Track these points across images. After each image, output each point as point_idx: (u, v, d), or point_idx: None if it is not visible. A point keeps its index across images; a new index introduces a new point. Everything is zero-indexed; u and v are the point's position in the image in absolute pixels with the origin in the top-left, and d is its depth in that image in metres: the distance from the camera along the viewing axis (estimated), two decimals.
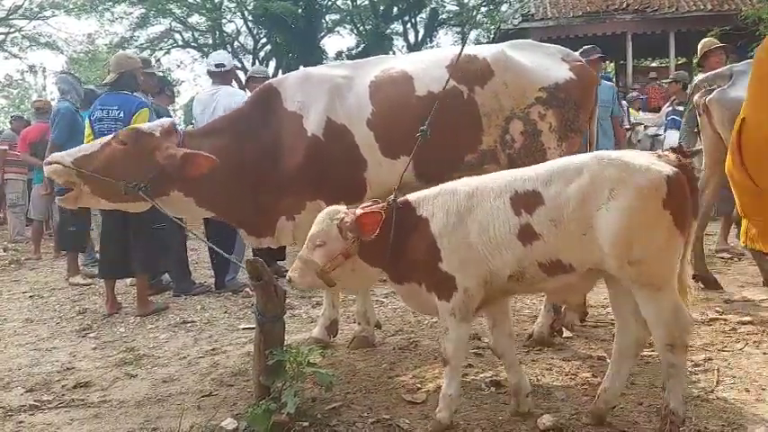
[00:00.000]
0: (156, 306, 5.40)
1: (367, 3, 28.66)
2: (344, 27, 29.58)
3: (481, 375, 3.43)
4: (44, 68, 35.97)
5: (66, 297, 6.19)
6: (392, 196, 2.77)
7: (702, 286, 5.15)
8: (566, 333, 4.04)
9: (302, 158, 3.72)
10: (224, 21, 28.47)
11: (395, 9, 28.53)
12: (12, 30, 27.83)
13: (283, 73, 20.57)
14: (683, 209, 2.41)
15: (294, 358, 2.91)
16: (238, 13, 28.26)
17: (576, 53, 4.30)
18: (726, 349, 3.69)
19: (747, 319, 4.24)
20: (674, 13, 15.48)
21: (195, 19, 28.73)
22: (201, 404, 3.27)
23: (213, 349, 4.24)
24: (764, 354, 3.59)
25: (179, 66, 37.85)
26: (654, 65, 18.49)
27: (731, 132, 4.71)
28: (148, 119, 5.09)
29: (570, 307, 3.88)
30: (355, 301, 4.30)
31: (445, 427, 2.71)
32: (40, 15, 27.19)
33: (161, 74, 16.18)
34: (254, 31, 28.68)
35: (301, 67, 4.49)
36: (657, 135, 9.54)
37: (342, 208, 2.76)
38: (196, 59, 30.97)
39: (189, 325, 4.93)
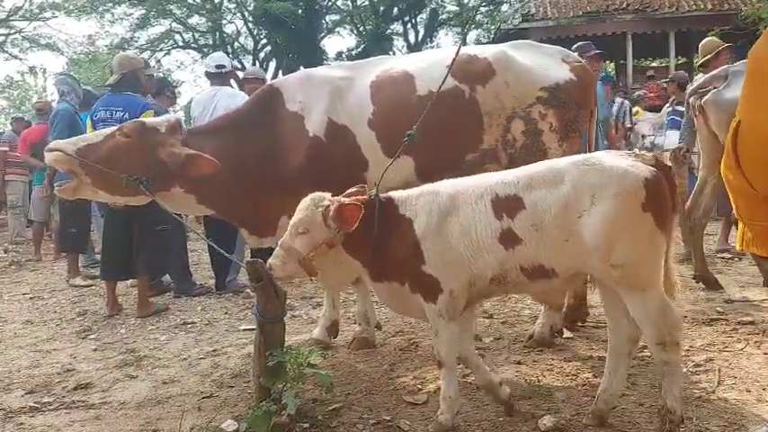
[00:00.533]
0: (157, 307, 5.40)
1: (367, 3, 28.67)
2: (344, 27, 29.62)
3: None
4: (44, 70, 35.94)
5: (67, 298, 6.19)
6: (374, 191, 2.74)
7: (703, 286, 5.15)
8: (566, 334, 4.04)
9: (304, 159, 3.72)
10: (224, 22, 28.52)
11: (395, 9, 28.53)
12: (12, 31, 27.85)
13: (283, 74, 20.59)
14: (662, 209, 2.44)
15: (295, 359, 2.90)
16: (238, 14, 28.32)
17: (575, 53, 4.31)
18: (727, 349, 3.68)
19: (748, 319, 4.23)
20: (674, 13, 15.49)
21: (195, 20, 28.79)
22: (202, 405, 3.27)
23: (214, 350, 4.24)
24: (765, 354, 3.58)
25: (179, 67, 37.79)
26: (654, 65, 18.48)
27: (727, 133, 4.76)
28: None
29: (552, 308, 3.87)
30: (356, 302, 4.29)
31: (447, 428, 2.71)
32: (40, 16, 27.20)
33: (162, 75, 16.19)
34: (254, 32, 28.69)
35: (301, 68, 4.49)
36: (655, 145, 9.54)
37: (327, 195, 2.72)
38: (196, 60, 31.01)
39: (189, 326, 4.93)
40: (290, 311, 4.86)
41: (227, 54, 16.68)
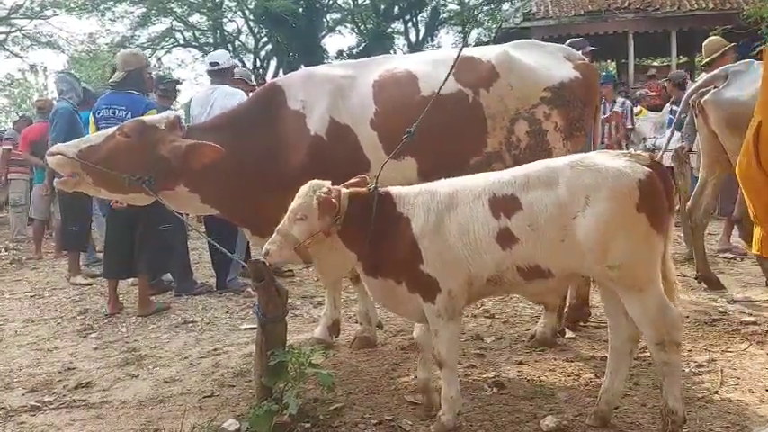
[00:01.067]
0: (158, 306, 5.39)
1: (368, 2, 28.62)
2: (345, 26, 29.54)
3: (483, 376, 3.42)
4: (45, 68, 35.97)
5: (68, 297, 6.18)
6: (372, 184, 2.73)
7: (705, 286, 5.14)
8: (568, 334, 4.03)
9: (305, 157, 3.71)
10: (225, 20, 28.45)
11: (396, 8, 28.48)
12: (13, 29, 27.79)
13: (284, 73, 20.58)
14: (657, 209, 2.45)
15: (296, 359, 2.90)
16: (239, 13, 28.24)
17: (578, 52, 4.29)
18: (729, 350, 3.68)
19: (751, 319, 4.23)
20: (676, 12, 15.45)
21: (196, 18, 28.71)
22: (203, 405, 3.27)
23: (215, 349, 4.23)
24: None
25: (180, 65, 37.69)
26: (655, 64, 18.45)
27: (729, 134, 4.75)
28: None
29: (547, 308, 3.86)
30: (357, 301, 4.29)
31: (449, 429, 2.70)
32: (41, 14, 27.14)
33: (160, 73, 16.12)
34: (255, 31, 28.64)
35: (302, 67, 4.48)
36: (657, 147, 9.53)
37: (326, 183, 2.70)
38: (197, 59, 30.94)
39: (190, 325, 4.92)
40: (292, 310, 4.85)
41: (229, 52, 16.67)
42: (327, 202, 2.60)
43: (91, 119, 5.61)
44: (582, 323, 4.22)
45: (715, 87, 4.85)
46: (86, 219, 7.16)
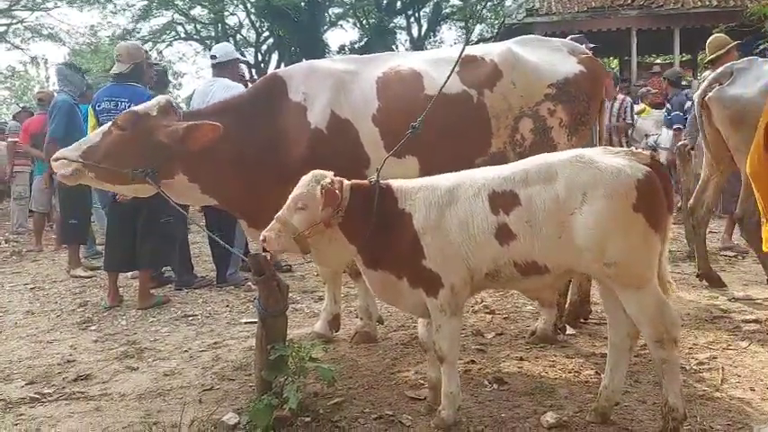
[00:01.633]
0: (158, 299, 5.38)
1: None
2: (347, 21, 29.50)
3: (484, 372, 3.41)
4: (46, 60, 35.85)
5: (68, 289, 6.17)
6: (374, 177, 2.72)
7: (706, 284, 5.14)
8: (569, 330, 4.03)
9: (304, 150, 3.68)
10: (226, 13, 28.40)
11: (398, 3, 28.44)
12: (14, 21, 27.75)
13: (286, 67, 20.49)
14: (655, 209, 2.44)
15: (296, 353, 2.89)
16: (241, 6, 28.17)
17: (582, 46, 4.27)
18: (730, 348, 3.67)
19: (752, 317, 4.22)
20: (679, 9, 15.40)
21: (198, 11, 28.65)
22: (203, 398, 3.26)
23: (215, 343, 4.23)
24: None
25: (181, 58, 37.67)
26: (658, 61, 18.39)
27: (733, 131, 4.73)
28: None
29: (543, 303, 3.86)
30: (357, 295, 4.28)
31: (450, 425, 2.70)
32: (42, 6, 27.10)
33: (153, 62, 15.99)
34: (257, 24, 28.59)
35: (304, 61, 4.45)
36: (658, 144, 9.53)
37: (329, 173, 2.68)
38: (198, 52, 30.93)
39: (190, 318, 4.92)
40: (292, 305, 4.84)
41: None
42: (331, 192, 2.58)
43: (90, 111, 5.60)
44: (582, 320, 4.21)
45: (720, 84, 4.82)
46: (86, 212, 7.15)
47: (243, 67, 8.08)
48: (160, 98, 3.78)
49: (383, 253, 2.70)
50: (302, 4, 25.26)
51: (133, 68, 5.37)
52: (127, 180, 3.55)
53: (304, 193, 2.63)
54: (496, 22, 24.33)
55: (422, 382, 3.28)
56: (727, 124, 4.77)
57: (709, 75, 5.37)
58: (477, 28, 27.97)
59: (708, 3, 15.29)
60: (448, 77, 3.05)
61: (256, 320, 3.08)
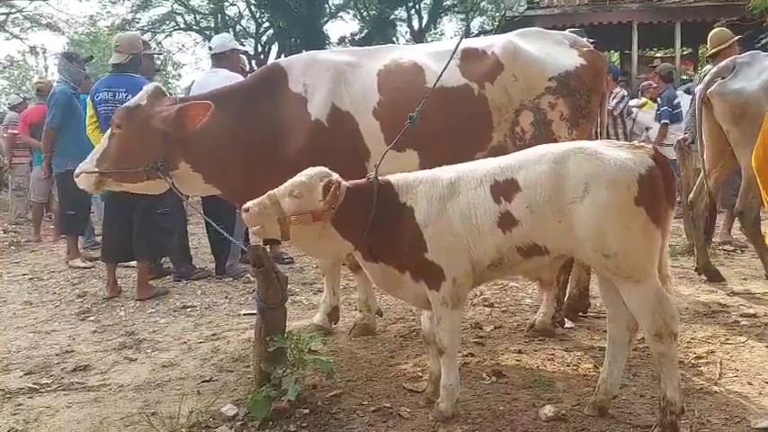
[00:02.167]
0: (157, 290, 5.38)
1: None
2: (348, 12, 29.34)
3: (482, 365, 3.42)
4: (45, 50, 35.64)
5: (66, 280, 6.17)
6: (372, 173, 2.71)
7: (705, 278, 5.14)
8: (568, 324, 4.03)
9: (303, 142, 3.66)
10: (226, 4, 28.23)
11: None
12: (13, 10, 27.60)
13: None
14: (657, 203, 2.44)
15: (295, 345, 2.89)
16: None
17: (584, 39, 4.25)
18: (728, 342, 3.68)
19: (750, 311, 4.23)
20: (681, 3, 15.32)
21: (197, 2, 28.48)
22: (201, 389, 3.26)
23: (214, 335, 4.23)
24: (767, 347, 3.57)
25: (180, 49, 37.48)
26: (659, 55, 18.33)
27: (734, 125, 4.71)
28: None
29: (542, 285, 3.86)
30: (357, 288, 4.27)
31: (447, 417, 2.70)
32: None
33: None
34: (257, 15, 28.44)
35: (304, 52, 4.42)
36: (648, 139, 9.49)
37: (335, 175, 2.66)
38: (198, 43, 30.78)
39: (189, 310, 4.92)
40: (291, 297, 4.84)
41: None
42: (334, 194, 2.57)
43: (88, 102, 5.58)
44: (581, 314, 4.21)
45: (722, 78, 4.81)
46: (84, 202, 7.13)
47: (243, 58, 8.03)
48: (148, 87, 3.80)
49: (384, 247, 2.69)
50: None
51: (132, 59, 5.36)
52: (142, 177, 3.58)
53: (304, 182, 2.62)
54: (497, 14, 24.22)
55: (420, 374, 3.29)
56: (728, 118, 4.76)
57: (710, 69, 5.36)
58: (478, 21, 27.89)
59: None
60: (443, 70, 3.03)
61: (255, 312, 3.07)
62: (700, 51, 16.76)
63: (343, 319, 4.25)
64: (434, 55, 3.83)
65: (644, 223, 2.41)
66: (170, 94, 4.97)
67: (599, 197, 2.38)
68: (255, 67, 7.57)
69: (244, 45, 25.14)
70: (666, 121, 8.63)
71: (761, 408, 2.81)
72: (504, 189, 2.53)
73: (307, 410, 2.84)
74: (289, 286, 3.09)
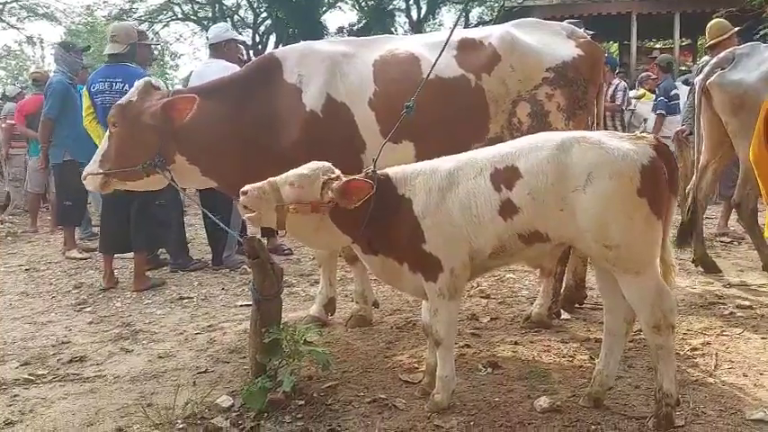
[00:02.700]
0: (153, 281, 5.37)
1: None
2: (346, 2, 29.15)
3: (478, 356, 3.42)
4: (41, 39, 35.44)
5: (63, 271, 6.16)
6: (371, 168, 2.69)
7: (702, 270, 5.14)
8: (564, 315, 4.03)
9: (298, 133, 3.64)
10: None
11: None
12: (9, 0, 27.44)
13: None
14: (659, 194, 2.43)
15: (291, 336, 2.89)
16: None
17: (581, 30, 4.23)
18: (724, 334, 3.68)
19: (746, 303, 4.23)
20: None
21: None
22: (197, 380, 3.26)
23: (210, 326, 4.23)
24: (763, 338, 3.58)
25: (178, 39, 37.23)
26: (658, 46, 18.27)
27: (733, 116, 4.70)
28: None
29: (543, 273, 3.86)
30: (353, 279, 4.27)
31: (443, 408, 2.70)
32: None
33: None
34: (255, 5, 28.26)
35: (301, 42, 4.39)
36: (645, 130, 9.48)
37: (337, 171, 2.65)
38: (195, 33, 30.58)
39: (186, 301, 4.91)
40: (288, 288, 4.84)
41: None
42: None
43: (84, 93, 5.55)
44: (578, 305, 4.22)
45: (721, 69, 4.79)
46: (81, 193, 7.10)
47: (241, 48, 8.00)
48: (138, 82, 3.78)
49: (383, 239, 2.69)
50: None
51: (128, 49, 5.35)
52: (142, 174, 3.58)
53: (306, 175, 2.61)
54: (496, 4, 24.10)
55: (416, 365, 3.29)
56: (728, 109, 4.75)
57: (709, 60, 5.33)
58: (477, 11, 27.72)
59: None
60: (437, 59, 3.01)
61: (251, 303, 3.07)
62: (698, 42, 16.70)
63: (339, 310, 4.25)
64: (431, 46, 3.80)
65: (646, 215, 2.40)
66: (167, 85, 4.95)
67: (602, 187, 2.37)
68: (253, 58, 7.51)
69: (242, 35, 25.04)
70: (662, 112, 8.60)
71: (756, 399, 2.82)
72: (504, 177, 2.52)
73: (302, 402, 2.84)
74: (285, 277, 3.10)
